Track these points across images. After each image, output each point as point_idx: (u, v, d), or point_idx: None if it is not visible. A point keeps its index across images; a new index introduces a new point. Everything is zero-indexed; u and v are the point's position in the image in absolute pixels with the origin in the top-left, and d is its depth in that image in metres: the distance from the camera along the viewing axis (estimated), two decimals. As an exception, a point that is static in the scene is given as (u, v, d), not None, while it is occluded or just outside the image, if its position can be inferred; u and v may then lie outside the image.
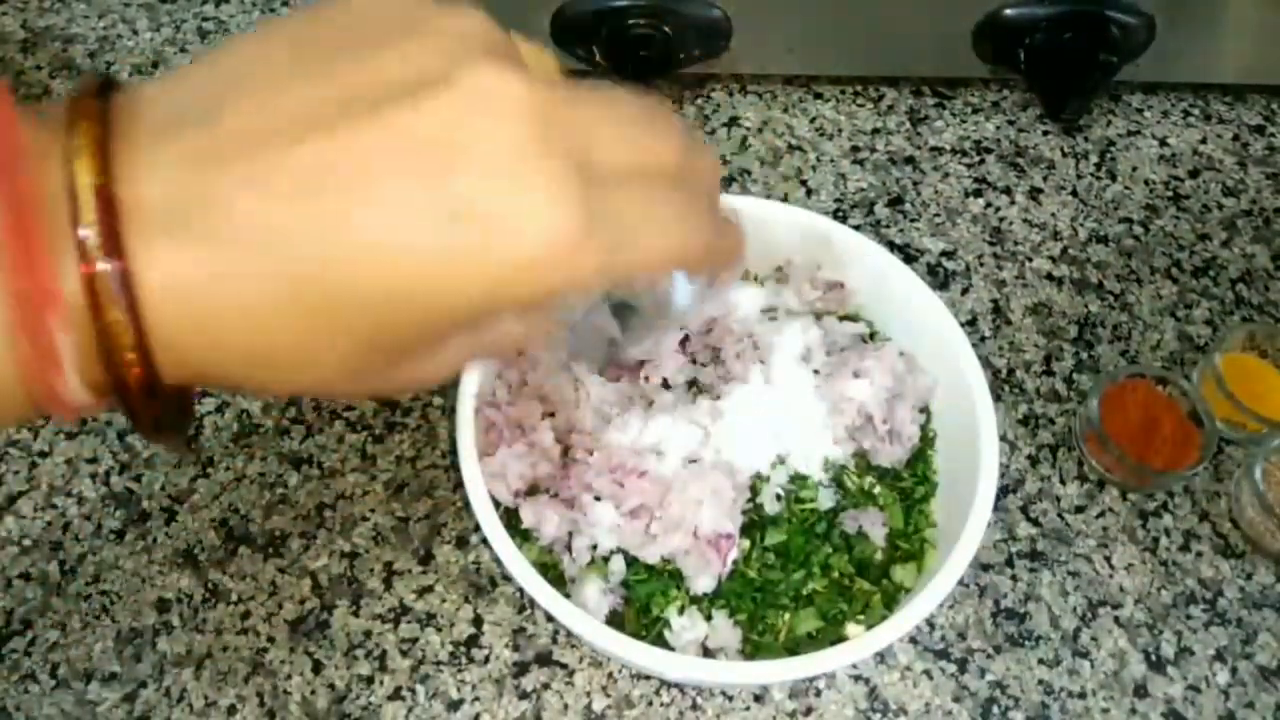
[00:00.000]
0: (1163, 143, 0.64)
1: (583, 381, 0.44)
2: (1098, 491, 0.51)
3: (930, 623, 0.47)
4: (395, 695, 0.44)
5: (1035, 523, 0.50)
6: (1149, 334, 0.56)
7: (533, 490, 0.44)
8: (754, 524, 0.43)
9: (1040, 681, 0.46)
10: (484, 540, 0.46)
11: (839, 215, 0.59)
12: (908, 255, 0.58)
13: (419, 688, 0.44)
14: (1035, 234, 0.59)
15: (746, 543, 0.43)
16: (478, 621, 0.46)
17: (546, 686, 0.44)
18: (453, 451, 0.48)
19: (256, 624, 0.46)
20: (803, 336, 0.46)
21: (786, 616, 0.42)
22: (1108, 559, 0.49)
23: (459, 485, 0.46)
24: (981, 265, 0.58)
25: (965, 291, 0.57)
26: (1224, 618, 0.48)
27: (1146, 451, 0.50)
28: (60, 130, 0.21)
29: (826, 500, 0.44)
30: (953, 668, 0.46)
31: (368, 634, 0.45)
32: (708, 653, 0.41)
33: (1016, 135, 0.63)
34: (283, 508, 0.48)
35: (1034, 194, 0.61)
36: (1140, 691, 0.46)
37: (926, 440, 0.46)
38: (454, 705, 0.44)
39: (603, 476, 0.42)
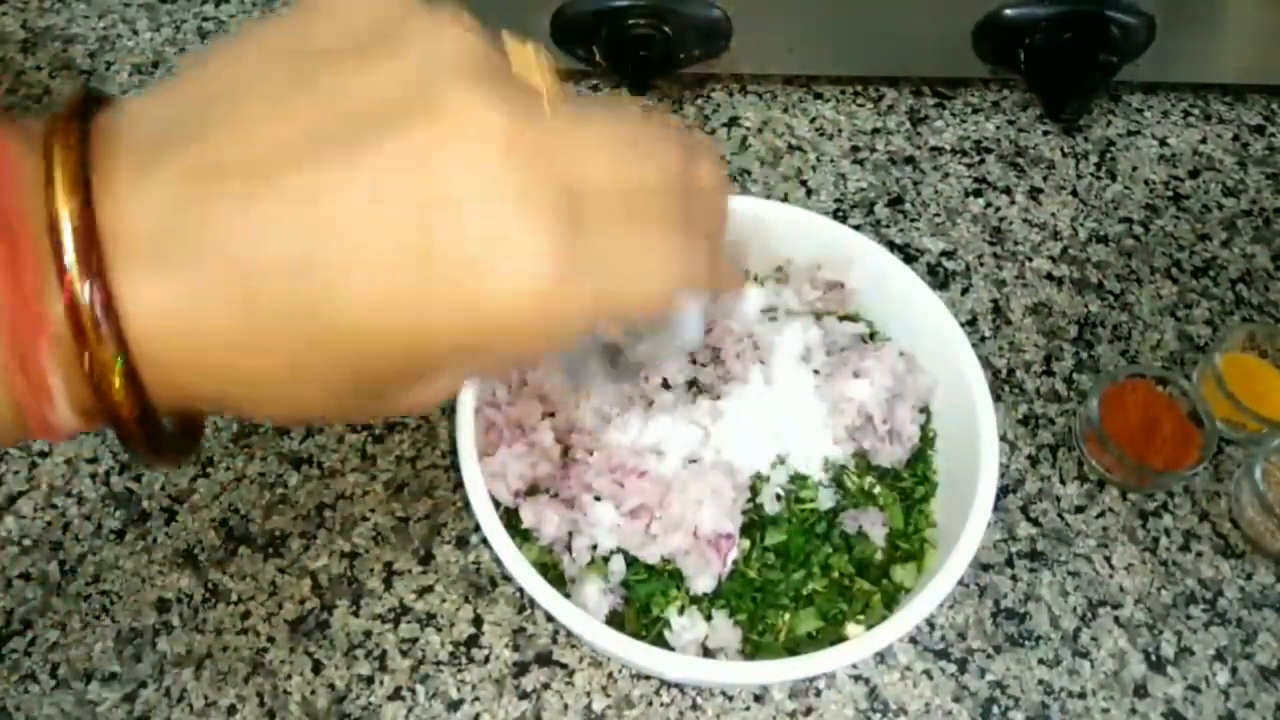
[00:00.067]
0: (1163, 143, 0.64)
1: (583, 381, 0.44)
2: (1098, 491, 0.51)
3: (930, 623, 0.47)
4: (395, 695, 0.44)
5: (1035, 523, 0.50)
6: (1149, 334, 0.56)
7: (533, 490, 0.44)
8: (754, 524, 0.43)
9: (1040, 681, 0.46)
10: (484, 540, 0.46)
11: (839, 215, 0.59)
12: (908, 255, 0.58)
13: (419, 688, 0.44)
14: (1035, 234, 0.59)
15: (746, 543, 0.43)
16: (478, 621, 0.46)
17: (546, 686, 0.44)
18: (453, 451, 0.48)
19: (256, 624, 0.46)
20: (803, 336, 0.46)
21: (786, 616, 0.42)
22: (1108, 559, 0.49)
23: (459, 485, 0.46)
24: (981, 265, 0.58)
25: (965, 291, 0.57)
26: (1224, 618, 0.48)
27: (1146, 451, 0.50)
28: (40, 154, 0.21)
29: (826, 500, 0.44)
30: (953, 668, 0.46)
31: (368, 634, 0.45)
32: (708, 653, 0.41)
33: (1016, 135, 0.63)
34: (283, 508, 0.48)
35: (1034, 194, 0.61)
36: (1140, 691, 0.46)
37: (926, 440, 0.46)
38: (454, 705, 0.44)
39: (603, 476, 0.42)
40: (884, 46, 0.61)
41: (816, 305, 0.49)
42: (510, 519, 0.43)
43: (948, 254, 0.58)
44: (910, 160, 0.62)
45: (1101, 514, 0.50)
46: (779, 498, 0.44)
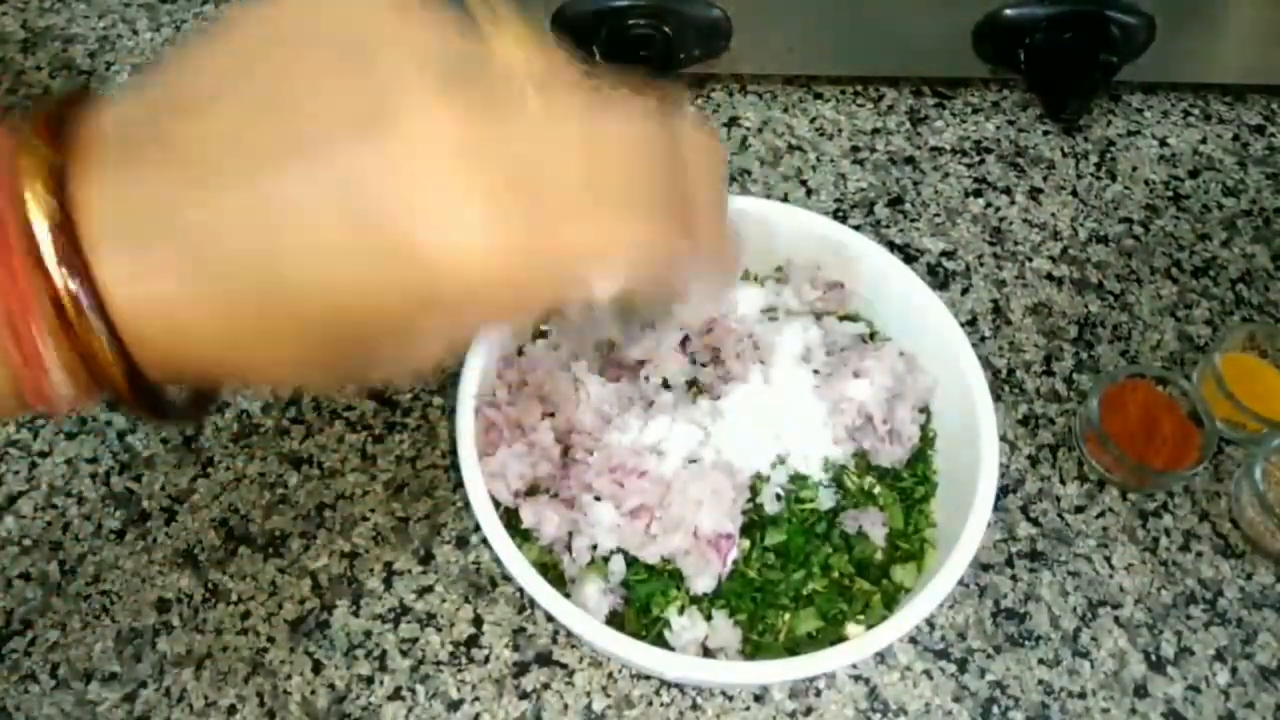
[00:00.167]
0: (1163, 143, 0.64)
1: (583, 381, 0.44)
2: (1098, 491, 0.51)
3: (930, 623, 0.47)
4: (395, 695, 0.44)
5: (1035, 523, 0.50)
6: (1149, 334, 0.56)
7: (533, 490, 0.44)
8: (754, 524, 0.43)
9: (1040, 681, 0.46)
10: (484, 540, 0.46)
11: (839, 215, 0.59)
12: (908, 255, 0.58)
13: (419, 688, 0.44)
14: (1035, 234, 0.59)
15: (746, 543, 0.43)
16: (478, 621, 0.46)
17: (546, 686, 0.44)
18: (453, 451, 0.48)
19: (256, 624, 0.46)
20: (803, 336, 0.46)
21: (786, 616, 0.42)
22: (1108, 559, 0.49)
23: (459, 485, 0.46)
24: (981, 265, 0.58)
25: (965, 291, 0.57)
26: (1224, 618, 0.48)
27: (1146, 451, 0.50)
28: (20, 147, 0.23)
29: (826, 500, 0.44)
30: (953, 668, 0.46)
31: (368, 634, 0.45)
32: (708, 653, 0.41)
33: (1016, 135, 0.63)
34: (283, 508, 0.48)
35: (1034, 194, 0.61)
36: (1140, 691, 0.46)
37: (926, 440, 0.46)
38: (454, 705, 0.44)
39: (603, 476, 0.42)
40: (884, 46, 0.61)
41: (816, 305, 0.49)
42: (510, 519, 0.43)
43: (948, 254, 0.58)
44: (910, 160, 0.62)
45: (1101, 514, 0.50)
46: (779, 498, 0.44)
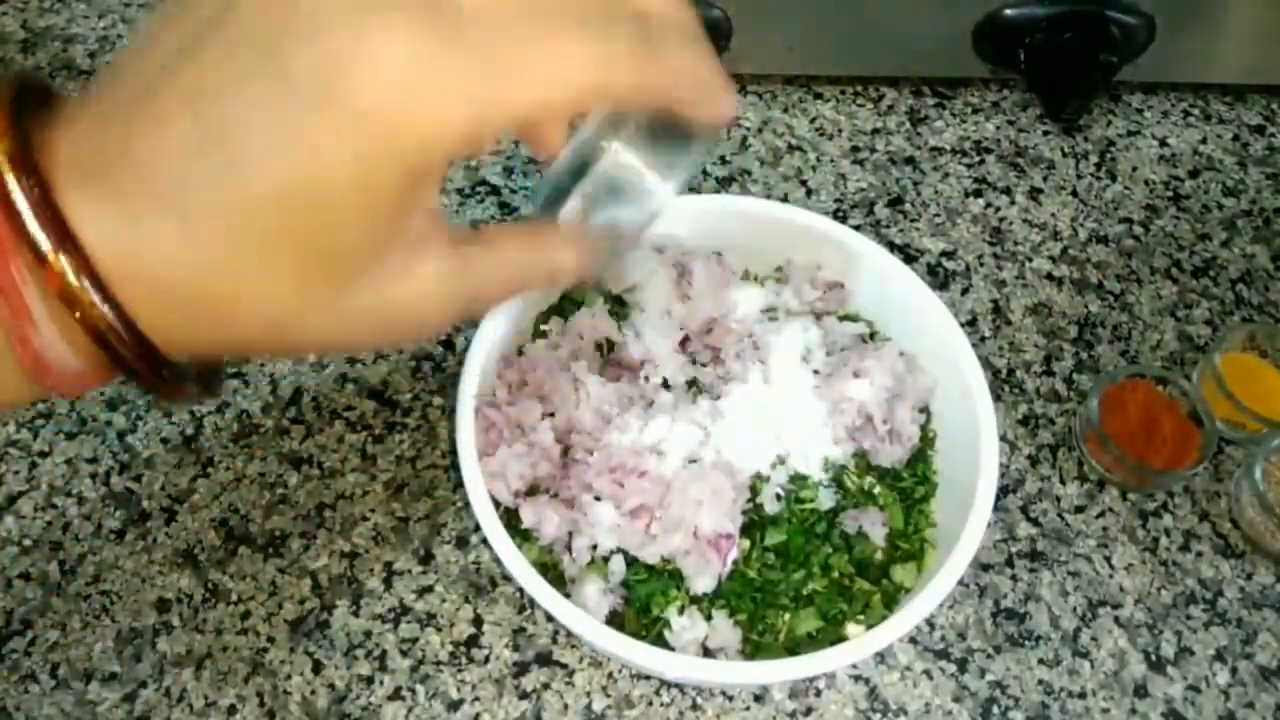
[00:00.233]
0: (1163, 143, 0.64)
1: (583, 381, 0.44)
2: (1098, 491, 0.51)
3: (930, 623, 0.47)
4: (395, 695, 0.44)
5: (1035, 523, 0.50)
6: (1149, 334, 0.56)
7: (533, 490, 0.44)
8: (754, 524, 0.43)
9: (1040, 681, 0.46)
10: (484, 540, 0.46)
11: (839, 215, 0.59)
12: (908, 255, 0.58)
13: (419, 688, 0.44)
14: (1035, 234, 0.59)
15: (746, 543, 0.43)
16: (478, 621, 0.46)
17: (546, 686, 0.44)
18: (453, 451, 0.48)
19: (256, 624, 0.46)
20: (803, 336, 0.46)
21: (786, 616, 0.42)
22: (1108, 559, 0.49)
23: (459, 485, 0.46)
24: (981, 265, 0.58)
25: (965, 291, 0.57)
26: (1224, 618, 0.48)
27: (1146, 451, 0.50)
28: None
29: (826, 500, 0.44)
30: (953, 668, 0.46)
31: (368, 634, 0.45)
32: (708, 653, 0.41)
33: (1016, 135, 0.63)
34: (283, 508, 0.48)
35: (1034, 194, 0.61)
36: (1140, 691, 0.46)
37: (926, 440, 0.46)
38: (454, 705, 0.44)
39: (603, 476, 0.42)
40: (884, 46, 0.61)
41: (816, 305, 0.49)
42: (510, 519, 0.43)
43: (948, 254, 0.58)
44: (910, 160, 0.62)
45: (1101, 514, 0.50)
46: (779, 498, 0.44)
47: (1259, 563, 0.49)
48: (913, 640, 0.46)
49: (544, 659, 0.45)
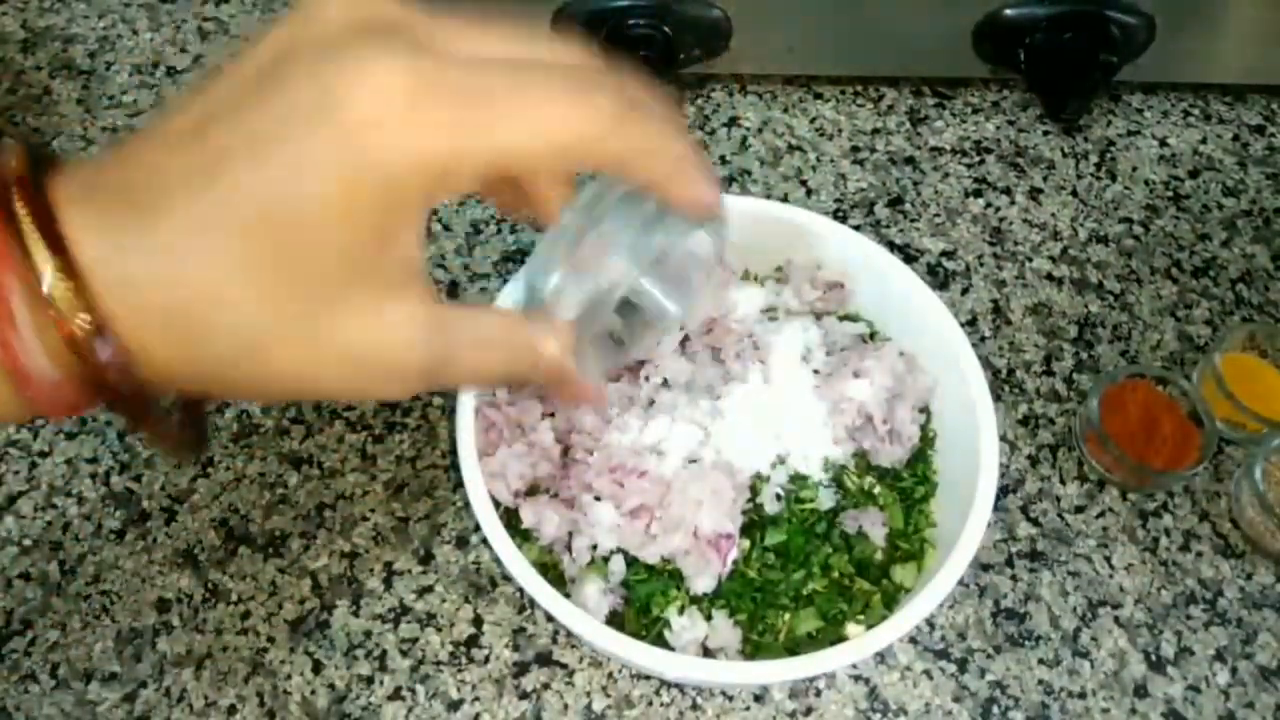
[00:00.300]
0: (1163, 143, 0.64)
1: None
2: (1098, 491, 0.51)
3: (930, 623, 0.47)
4: (395, 695, 0.44)
5: (1035, 523, 0.50)
6: (1149, 334, 0.56)
7: (533, 490, 0.44)
8: (754, 524, 0.43)
9: (1040, 681, 0.46)
10: (484, 540, 0.46)
11: (839, 215, 0.59)
12: (908, 255, 0.58)
13: (419, 688, 0.44)
14: (1035, 234, 0.59)
15: (746, 543, 0.43)
16: (478, 621, 0.46)
17: (546, 686, 0.44)
18: (453, 451, 0.48)
19: (256, 624, 0.46)
20: (803, 336, 0.46)
21: (786, 616, 0.42)
22: (1108, 559, 0.49)
23: (459, 485, 0.46)
24: (981, 265, 0.58)
25: (965, 291, 0.57)
26: (1224, 618, 0.48)
27: (1146, 451, 0.50)
28: None
29: (826, 500, 0.44)
30: (953, 668, 0.46)
31: (368, 634, 0.45)
32: (708, 653, 0.41)
33: (1016, 135, 0.63)
34: (283, 508, 0.48)
35: (1034, 194, 0.61)
36: (1140, 691, 0.46)
37: (926, 440, 0.46)
38: (454, 705, 0.44)
39: (603, 476, 0.42)
40: (884, 46, 0.61)
41: (816, 305, 0.49)
42: (510, 519, 0.43)
43: (948, 254, 0.58)
44: (910, 160, 0.62)
45: (1101, 514, 0.50)
46: (779, 498, 0.44)
47: (1259, 563, 0.49)
48: (913, 640, 0.46)
49: (544, 659, 0.45)
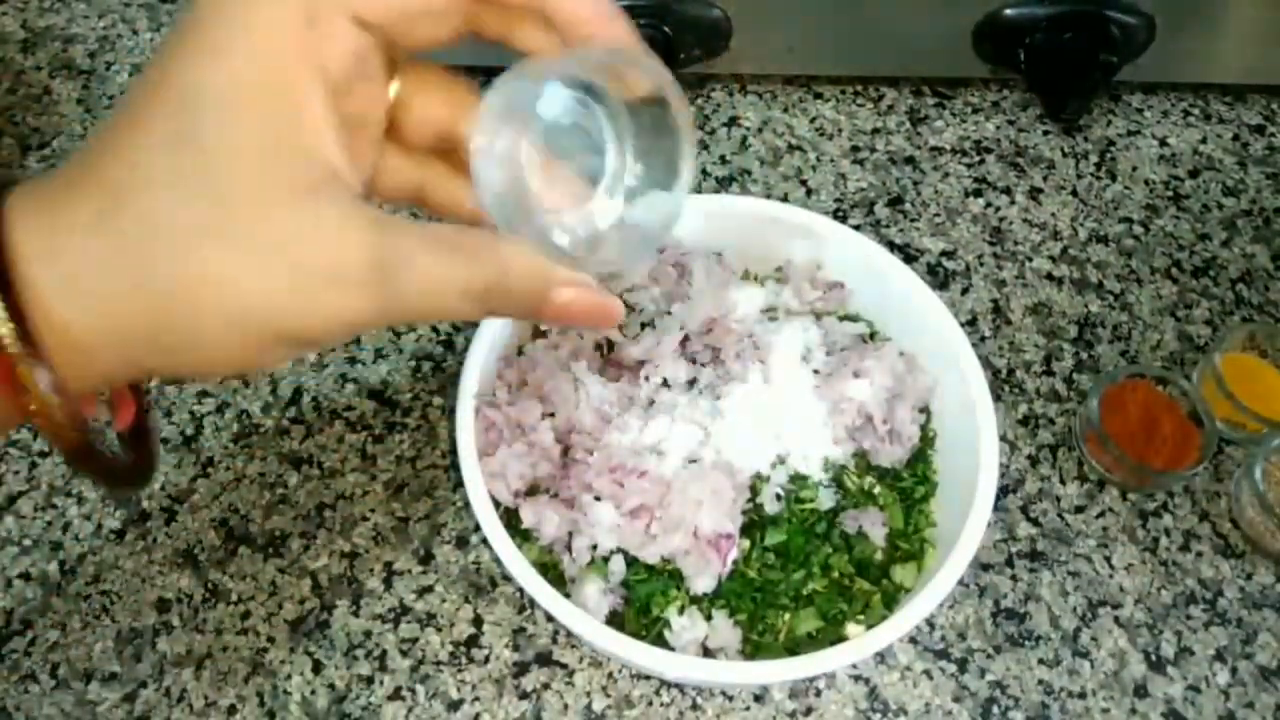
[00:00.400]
0: (1163, 143, 0.64)
1: (583, 381, 0.44)
2: (1098, 491, 0.51)
3: (930, 623, 0.47)
4: (395, 695, 0.44)
5: (1035, 523, 0.50)
6: (1149, 334, 0.56)
7: (533, 490, 0.44)
8: (754, 524, 0.43)
9: (1040, 681, 0.46)
10: (484, 540, 0.46)
11: (839, 215, 0.59)
12: (908, 255, 0.58)
13: (419, 688, 0.44)
14: (1035, 234, 0.59)
15: (746, 543, 0.43)
16: (478, 621, 0.46)
17: (546, 686, 0.44)
18: (453, 451, 0.48)
19: (256, 624, 0.46)
20: (803, 336, 0.46)
21: (786, 616, 0.42)
22: (1108, 559, 0.49)
23: (459, 485, 0.46)
24: (981, 265, 0.58)
25: (965, 291, 0.57)
26: (1224, 618, 0.48)
27: (1146, 451, 0.50)
28: None
29: (826, 500, 0.44)
30: (953, 668, 0.46)
31: (368, 634, 0.45)
32: (708, 653, 0.41)
33: (1016, 135, 0.63)
34: (283, 508, 0.48)
35: (1034, 194, 0.61)
36: (1140, 691, 0.46)
37: (926, 440, 0.46)
38: (454, 705, 0.44)
39: (603, 476, 0.42)
40: (884, 46, 0.61)
41: (816, 305, 0.49)
42: (510, 519, 0.43)
43: (948, 254, 0.58)
44: (910, 160, 0.62)
45: (1101, 514, 0.50)
46: (779, 498, 0.44)
47: (1259, 563, 0.49)
48: (913, 640, 0.46)
49: (544, 659, 0.45)
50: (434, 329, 0.54)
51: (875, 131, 0.63)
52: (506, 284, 0.28)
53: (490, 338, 0.44)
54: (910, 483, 0.45)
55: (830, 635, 0.42)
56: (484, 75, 0.28)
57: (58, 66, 0.64)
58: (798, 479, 0.44)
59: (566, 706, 0.44)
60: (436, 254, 0.27)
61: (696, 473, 0.42)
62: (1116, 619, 0.47)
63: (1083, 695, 0.46)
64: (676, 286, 0.48)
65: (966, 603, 0.47)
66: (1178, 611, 0.48)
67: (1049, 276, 0.58)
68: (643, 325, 0.48)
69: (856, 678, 0.45)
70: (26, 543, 0.47)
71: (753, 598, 0.42)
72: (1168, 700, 0.46)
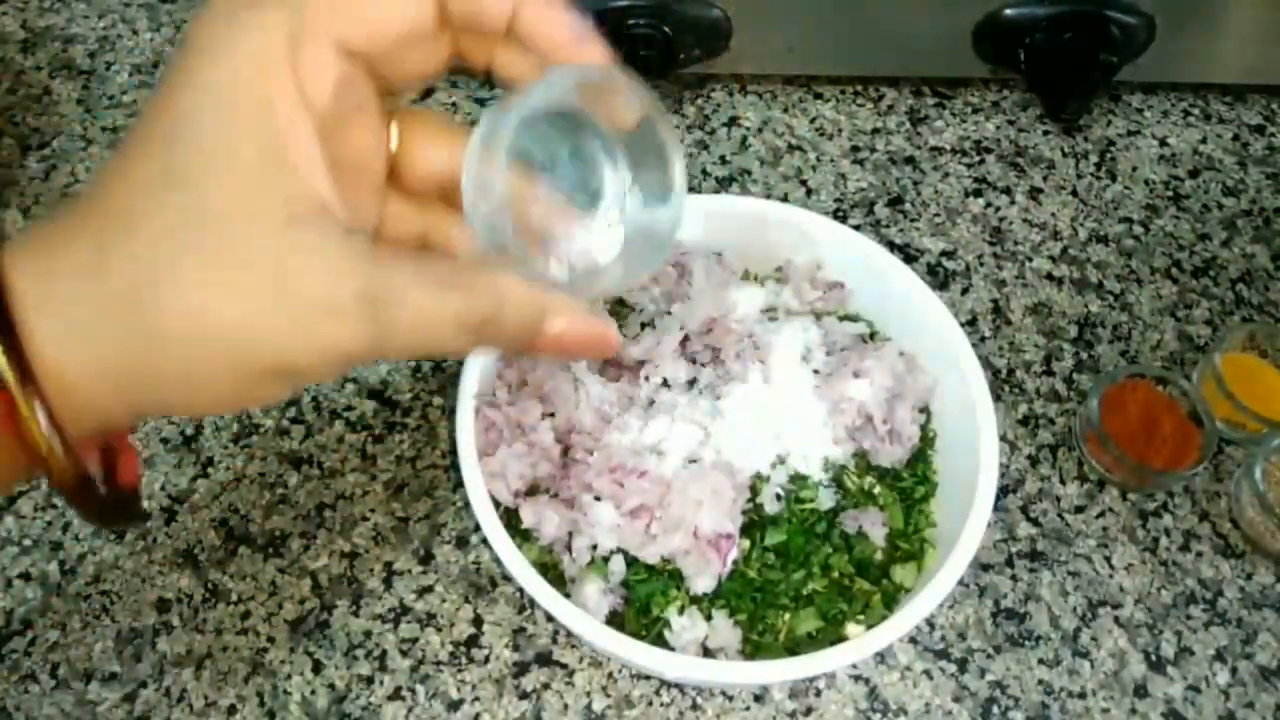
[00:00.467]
0: (1163, 143, 0.64)
1: (583, 381, 0.44)
2: (1098, 491, 0.51)
3: (930, 623, 0.47)
4: (395, 695, 0.44)
5: (1035, 523, 0.50)
6: (1149, 334, 0.56)
7: (533, 490, 0.44)
8: (754, 524, 0.43)
9: (1040, 681, 0.46)
10: (484, 540, 0.46)
11: (839, 215, 0.59)
12: (908, 255, 0.58)
13: (419, 688, 0.44)
14: (1035, 234, 0.59)
15: (746, 543, 0.43)
16: (478, 621, 0.46)
17: (546, 686, 0.44)
18: (453, 451, 0.48)
19: (256, 624, 0.46)
20: (803, 336, 0.46)
21: (786, 616, 0.42)
22: (1108, 559, 0.49)
23: (459, 485, 0.46)
24: (981, 265, 0.58)
25: (965, 291, 0.57)
26: (1224, 618, 0.48)
27: (1146, 451, 0.50)
28: None
29: (826, 500, 0.44)
30: (953, 668, 0.46)
31: (368, 634, 0.45)
32: (708, 653, 0.41)
33: (1016, 135, 0.63)
34: (283, 508, 0.48)
35: (1034, 194, 0.61)
36: (1140, 691, 0.46)
37: (926, 440, 0.46)
38: (454, 705, 0.44)
39: (603, 476, 0.42)
40: (884, 46, 0.61)
41: (816, 305, 0.49)
42: (510, 519, 0.43)
43: (948, 254, 0.58)
44: (910, 160, 0.62)
45: (1101, 514, 0.50)
46: (779, 498, 0.44)
47: (1259, 563, 0.49)
48: (913, 640, 0.46)
49: (544, 659, 0.45)
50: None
51: (875, 131, 0.63)
52: (501, 316, 0.28)
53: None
54: (910, 483, 0.45)
55: (830, 635, 0.42)
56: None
57: (58, 66, 0.64)
58: (798, 479, 0.44)
59: (566, 706, 0.44)
60: (430, 287, 0.27)
61: (696, 473, 0.42)
62: (1116, 619, 0.47)
63: (1083, 695, 0.46)
64: (676, 286, 0.48)
65: (966, 603, 0.47)
66: (1178, 611, 0.48)
67: (1049, 276, 0.58)
68: (643, 325, 0.48)
69: (856, 678, 0.45)
70: (26, 543, 0.47)
71: (753, 598, 0.42)
72: (1168, 700, 0.46)
